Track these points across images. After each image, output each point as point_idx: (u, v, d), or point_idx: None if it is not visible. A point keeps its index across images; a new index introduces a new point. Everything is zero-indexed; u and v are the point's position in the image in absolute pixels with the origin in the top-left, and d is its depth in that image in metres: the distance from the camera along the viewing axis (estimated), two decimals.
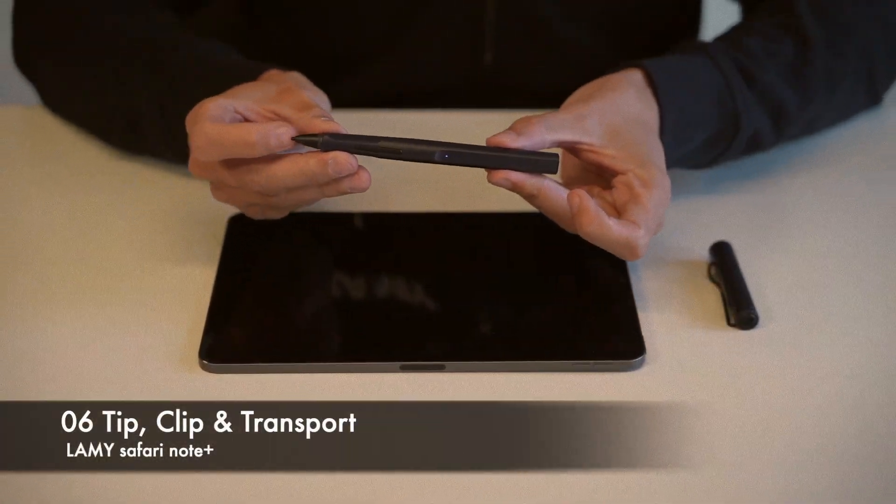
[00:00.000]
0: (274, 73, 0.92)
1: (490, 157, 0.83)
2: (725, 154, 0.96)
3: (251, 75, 0.92)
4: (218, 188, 0.87)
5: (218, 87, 0.89)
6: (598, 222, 0.82)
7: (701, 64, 0.94)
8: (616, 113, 0.87)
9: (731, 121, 0.94)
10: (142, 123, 0.97)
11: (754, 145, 0.97)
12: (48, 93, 1.06)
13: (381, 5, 1.15)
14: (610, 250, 0.84)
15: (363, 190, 0.83)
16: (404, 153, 0.83)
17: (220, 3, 1.26)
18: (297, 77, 0.91)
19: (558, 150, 0.86)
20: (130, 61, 0.97)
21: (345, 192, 0.83)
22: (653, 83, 0.91)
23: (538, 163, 0.83)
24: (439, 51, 1.17)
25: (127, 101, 0.97)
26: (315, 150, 0.82)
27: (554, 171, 0.83)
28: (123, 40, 0.99)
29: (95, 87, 1.00)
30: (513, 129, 0.85)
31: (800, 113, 0.98)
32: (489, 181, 0.83)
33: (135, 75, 0.97)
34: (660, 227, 0.86)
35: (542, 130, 0.85)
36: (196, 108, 0.84)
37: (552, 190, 0.84)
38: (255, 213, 0.88)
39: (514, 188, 0.83)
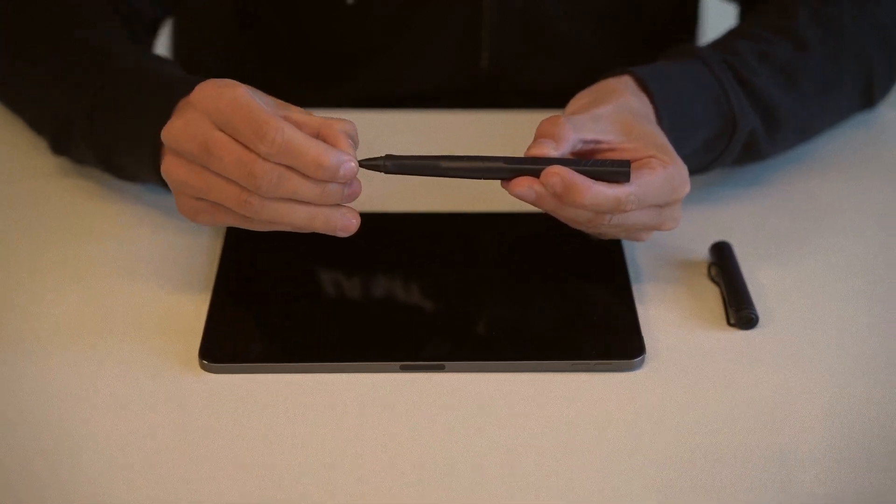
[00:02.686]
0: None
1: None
2: (721, 157, 0.95)
3: (186, 88, 0.86)
4: (185, 195, 0.82)
5: (149, 98, 0.87)
6: (591, 190, 0.81)
7: (693, 67, 0.94)
8: (625, 112, 0.87)
9: (727, 121, 0.94)
10: (71, 126, 0.95)
11: (750, 150, 0.97)
12: None
13: (377, 10, 1.15)
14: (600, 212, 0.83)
15: (346, 233, 0.81)
16: (470, 171, 0.82)
17: (215, 6, 1.25)
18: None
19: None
20: (70, 62, 0.96)
21: (330, 228, 0.80)
22: (644, 87, 0.91)
23: (610, 174, 0.82)
24: (436, 54, 1.17)
25: (58, 101, 0.96)
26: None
27: (627, 181, 0.82)
28: (69, 45, 0.98)
29: (30, 84, 1.00)
30: (544, 135, 0.83)
31: (793, 116, 0.98)
32: (545, 180, 0.81)
33: (70, 77, 0.95)
34: (671, 214, 0.85)
35: (571, 131, 0.84)
36: (223, 81, 0.80)
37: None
38: (219, 218, 0.82)
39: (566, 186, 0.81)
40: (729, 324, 0.86)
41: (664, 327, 0.85)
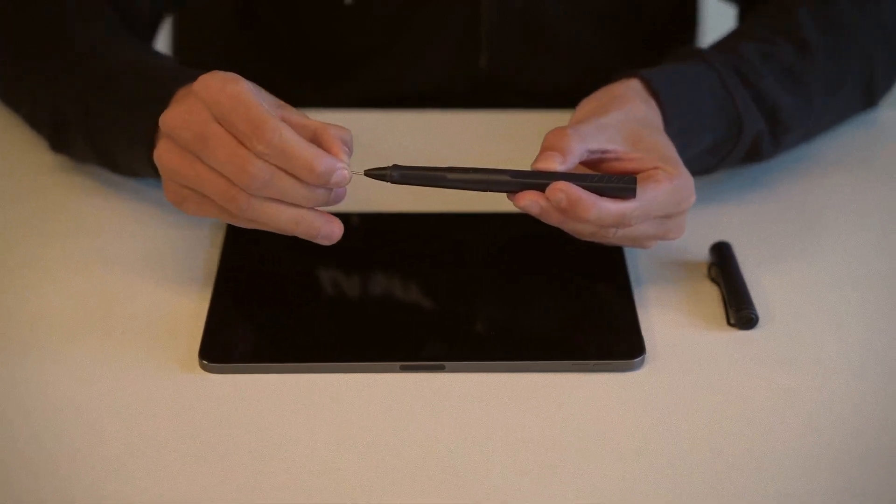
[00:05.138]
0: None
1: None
2: (727, 159, 0.95)
3: (184, 79, 0.86)
4: (174, 182, 0.81)
5: (146, 89, 0.87)
6: (596, 206, 0.81)
7: (698, 69, 0.94)
8: (631, 120, 0.86)
9: (733, 124, 0.94)
10: (68, 121, 0.95)
11: (754, 152, 0.97)
12: None
13: (376, 10, 1.15)
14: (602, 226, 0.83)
15: (328, 241, 0.81)
16: (475, 184, 0.81)
17: (215, 6, 1.25)
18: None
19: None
20: (66, 58, 0.96)
21: (312, 234, 0.80)
22: (652, 91, 0.90)
23: (616, 189, 0.81)
24: (436, 54, 1.17)
25: (55, 97, 0.95)
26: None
27: (633, 196, 0.81)
28: (65, 44, 0.98)
29: (27, 82, 1.00)
30: (550, 148, 0.83)
31: (798, 118, 0.98)
32: (550, 195, 0.80)
33: (65, 73, 0.95)
34: (676, 224, 0.85)
35: (577, 143, 0.83)
36: (227, 75, 0.79)
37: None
38: (203, 209, 0.82)
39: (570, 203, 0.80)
40: (729, 324, 0.86)
41: (664, 327, 0.85)
